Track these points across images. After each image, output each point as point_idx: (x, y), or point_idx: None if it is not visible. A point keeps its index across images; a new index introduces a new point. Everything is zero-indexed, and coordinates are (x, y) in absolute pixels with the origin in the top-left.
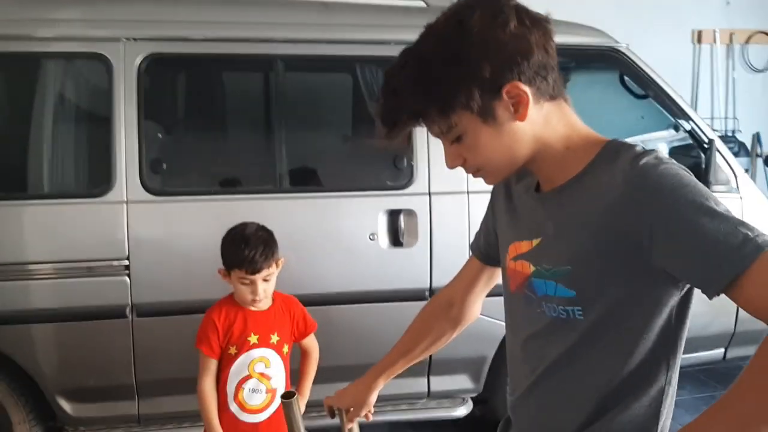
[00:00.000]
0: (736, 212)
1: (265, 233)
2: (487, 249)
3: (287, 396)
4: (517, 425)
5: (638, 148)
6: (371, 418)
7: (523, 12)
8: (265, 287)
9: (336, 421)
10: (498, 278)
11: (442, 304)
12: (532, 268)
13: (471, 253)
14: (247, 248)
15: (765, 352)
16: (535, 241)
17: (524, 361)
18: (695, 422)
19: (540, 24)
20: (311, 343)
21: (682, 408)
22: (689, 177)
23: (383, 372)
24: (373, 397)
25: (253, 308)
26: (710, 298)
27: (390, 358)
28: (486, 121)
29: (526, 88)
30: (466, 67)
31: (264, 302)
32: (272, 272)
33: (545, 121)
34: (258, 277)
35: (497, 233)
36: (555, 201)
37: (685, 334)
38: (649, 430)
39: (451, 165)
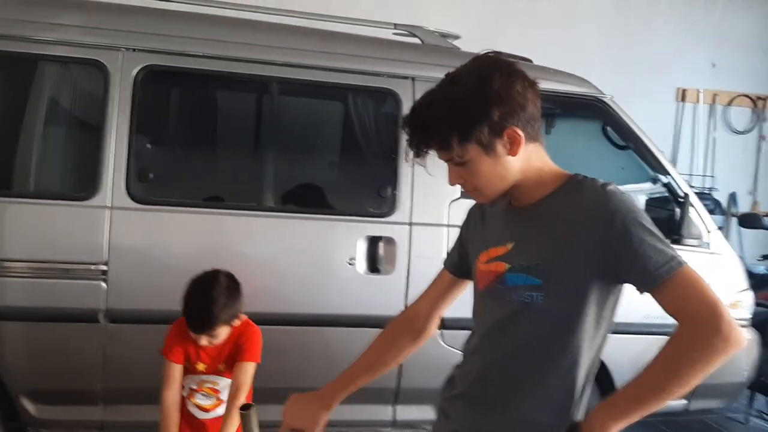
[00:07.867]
0: (707, 268)
1: (221, 296)
2: (459, 262)
3: (245, 408)
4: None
5: (600, 179)
6: None
7: (524, 76)
8: (210, 340)
9: None
10: (458, 294)
11: (407, 319)
12: (507, 266)
13: (444, 268)
14: (191, 313)
15: (671, 345)
16: (509, 245)
17: (482, 349)
18: (616, 394)
19: (534, 85)
20: (239, 373)
21: None
22: (637, 204)
23: (344, 389)
24: (327, 416)
25: None
26: (641, 293)
27: (352, 375)
28: (488, 153)
29: (521, 132)
30: (483, 111)
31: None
32: (217, 333)
33: (527, 158)
34: (198, 336)
35: (468, 248)
36: (527, 214)
37: (610, 324)
38: (572, 395)
39: (452, 183)
